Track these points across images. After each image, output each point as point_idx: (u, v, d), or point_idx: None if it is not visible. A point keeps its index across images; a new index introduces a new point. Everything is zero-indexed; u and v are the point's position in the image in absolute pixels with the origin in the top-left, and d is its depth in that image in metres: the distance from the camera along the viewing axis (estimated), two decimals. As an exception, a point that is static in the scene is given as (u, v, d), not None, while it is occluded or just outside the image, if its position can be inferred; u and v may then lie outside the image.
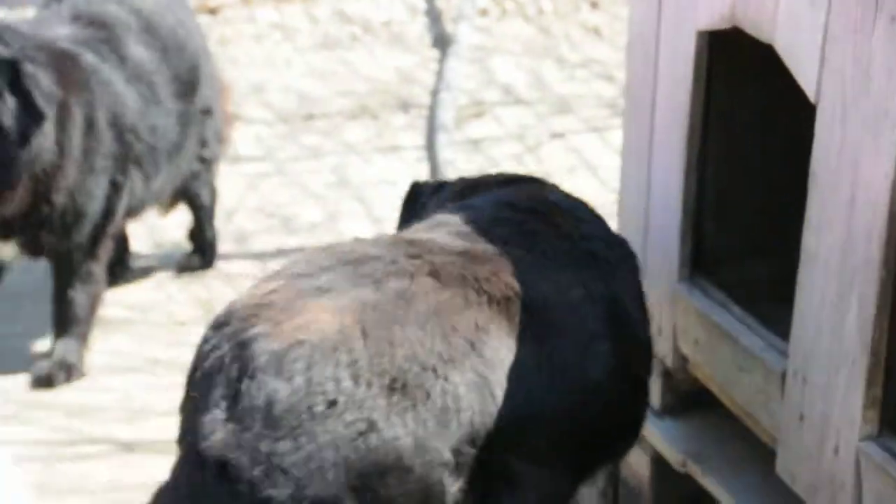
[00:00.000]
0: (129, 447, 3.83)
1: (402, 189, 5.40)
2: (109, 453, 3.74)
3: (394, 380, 2.36)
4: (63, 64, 4.11)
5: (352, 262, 2.51)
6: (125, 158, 4.25)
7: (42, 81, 3.95)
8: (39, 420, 3.97)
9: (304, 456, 2.26)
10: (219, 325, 2.41)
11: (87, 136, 4.11)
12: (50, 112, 3.95)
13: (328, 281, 2.43)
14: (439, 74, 6.47)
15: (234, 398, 2.28)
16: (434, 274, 2.52)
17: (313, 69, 6.66)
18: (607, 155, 5.66)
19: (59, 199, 4.07)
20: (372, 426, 2.32)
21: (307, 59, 6.77)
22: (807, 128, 2.82)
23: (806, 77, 2.75)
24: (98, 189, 4.17)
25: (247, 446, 2.25)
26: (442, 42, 6.86)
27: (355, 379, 2.32)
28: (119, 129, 4.23)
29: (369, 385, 2.33)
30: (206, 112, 4.74)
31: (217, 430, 2.27)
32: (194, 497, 2.28)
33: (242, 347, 2.32)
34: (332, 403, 2.29)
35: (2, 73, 3.91)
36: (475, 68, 6.62)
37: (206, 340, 2.40)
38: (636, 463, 3.52)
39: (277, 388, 2.27)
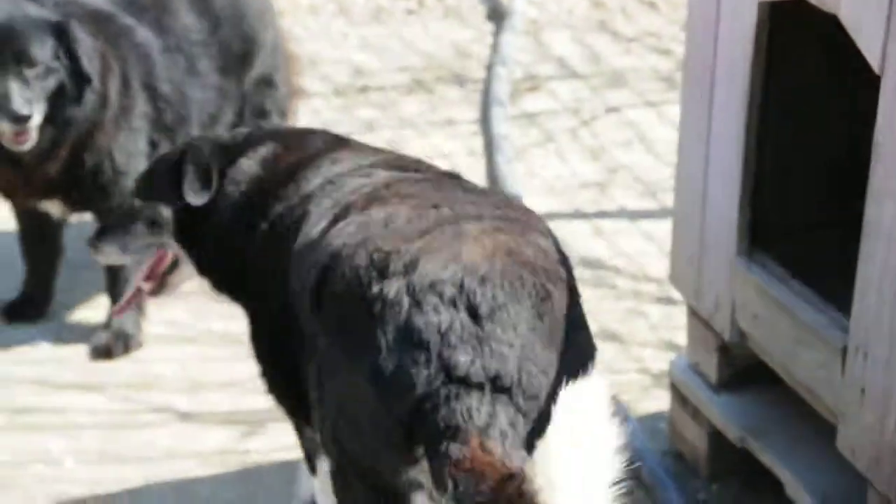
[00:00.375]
0: (186, 417, 3.86)
1: (458, 163, 5.49)
2: (168, 422, 3.77)
3: (565, 282, 2.56)
4: (97, 23, 4.18)
5: (440, 201, 2.67)
6: (158, 122, 4.29)
7: (87, 42, 4.03)
8: (99, 389, 4.01)
9: (548, 360, 2.44)
10: (407, 271, 2.48)
11: (123, 93, 4.16)
12: (96, 72, 4.03)
13: (453, 215, 2.61)
14: (494, 48, 6.45)
15: (479, 327, 2.41)
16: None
17: (368, 43, 6.66)
18: (663, 129, 5.62)
19: (99, 154, 4.12)
20: (574, 323, 2.53)
21: (362, 33, 6.77)
22: (868, 98, 2.78)
23: (870, 47, 2.72)
24: (136, 148, 4.21)
25: (513, 362, 2.41)
26: (497, 16, 6.83)
27: (555, 284, 2.52)
28: (151, 91, 4.26)
29: (561, 285, 2.54)
30: (265, 83, 4.75)
31: (479, 356, 2.40)
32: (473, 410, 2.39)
33: (461, 285, 2.44)
34: (556, 308, 2.50)
35: (55, 35, 3.99)
36: (530, 42, 6.59)
37: (396, 290, 2.46)
38: (693, 438, 3.51)
39: (518, 312, 2.45)
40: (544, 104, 5.96)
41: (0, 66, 3.93)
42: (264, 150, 3.12)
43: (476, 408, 2.36)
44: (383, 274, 2.49)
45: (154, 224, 3.25)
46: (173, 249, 3.26)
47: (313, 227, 2.80)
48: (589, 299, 4.32)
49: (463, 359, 2.37)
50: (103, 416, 3.88)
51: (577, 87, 6.10)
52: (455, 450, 2.32)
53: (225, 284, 3.20)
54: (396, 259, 2.50)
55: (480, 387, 2.37)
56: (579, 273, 4.51)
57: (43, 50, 3.97)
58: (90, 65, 4.01)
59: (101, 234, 3.35)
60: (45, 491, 3.54)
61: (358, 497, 2.56)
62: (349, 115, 5.93)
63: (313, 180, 2.95)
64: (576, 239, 4.82)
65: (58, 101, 3.99)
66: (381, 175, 2.87)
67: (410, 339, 2.40)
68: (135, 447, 3.72)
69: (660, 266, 4.50)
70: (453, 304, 2.42)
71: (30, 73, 3.95)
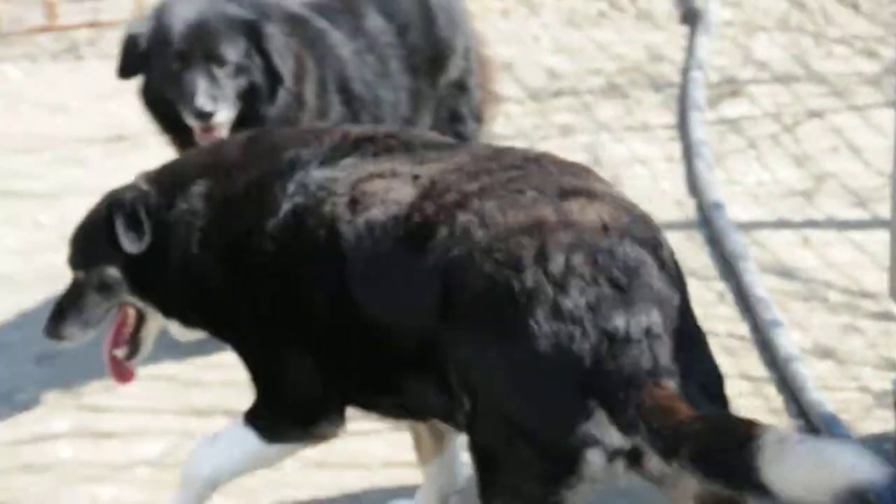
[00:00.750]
0: (400, 426, 3.90)
1: (656, 168, 5.44)
2: (383, 430, 3.82)
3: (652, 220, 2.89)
4: (293, 26, 4.24)
5: (520, 186, 2.85)
6: (353, 124, 4.32)
7: (280, 42, 4.09)
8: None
9: (672, 293, 2.74)
10: (538, 261, 2.68)
11: (319, 95, 4.22)
12: (288, 73, 4.09)
13: (542, 196, 2.82)
14: (689, 51, 6.37)
15: (623, 293, 2.65)
16: None
17: (561, 46, 6.65)
18: (871, 135, 5.48)
19: None
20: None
21: (554, 36, 6.77)
22: None
23: None
24: None
25: (657, 310, 2.67)
26: (691, 18, 6.74)
27: (655, 228, 2.84)
28: (346, 94, 4.31)
29: (655, 225, 2.85)
30: (458, 87, 4.76)
31: (631, 316, 2.66)
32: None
33: (595, 262, 2.68)
34: (665, 248, 2.82)
35: (247, 33, 4.07)
36: (727, 45, 6.49)
37: (535, 282, 2.66)
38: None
39: (647, 267, 2.71)
40: (744, 109, 5.87)
41: (191, 63, 4.03)
42: (211, 173, 3.14)
43: (642, 356, 2.61)
44: (518, 268, 2.67)
45: (105, 287, 3.22)
46: (134, 304, 3.26)
47: (375, 244, 2.87)
48: (799, 312, 4.32)
49: (620, 323, 2.62)
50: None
51: (777, 91, 5.98)
52: (635, 394, 2.57)
53: (203, 320, 3.21)
54: (523, 252, 2.68)
55: (639, 341, 2.62)
56: (787, 285, 4.49)
57: (234, 49, 4.05)
58: (282, 64, 4.07)
59: (58, 319, 3.28)
60: (271, 496, 3.63)
61: (525, 464, 2.70)
62: (544, 120, 5.93)
63: (310, 190, 2.98)
64: (781, 249, 4.74)
65: (250, 100, 4.07)
66: (415, 171, 2.94)
67: (563, 319, 2.62)
68: (352, 454, 3.78)
69: (874, 279, 4.38)
70: (595, 281, 2.64)
71: (219, 71, 4.03)
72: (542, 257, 2.67)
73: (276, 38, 4.10)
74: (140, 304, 3.26)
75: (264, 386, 3.18)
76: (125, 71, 4.20)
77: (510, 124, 5.86)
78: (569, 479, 2.68)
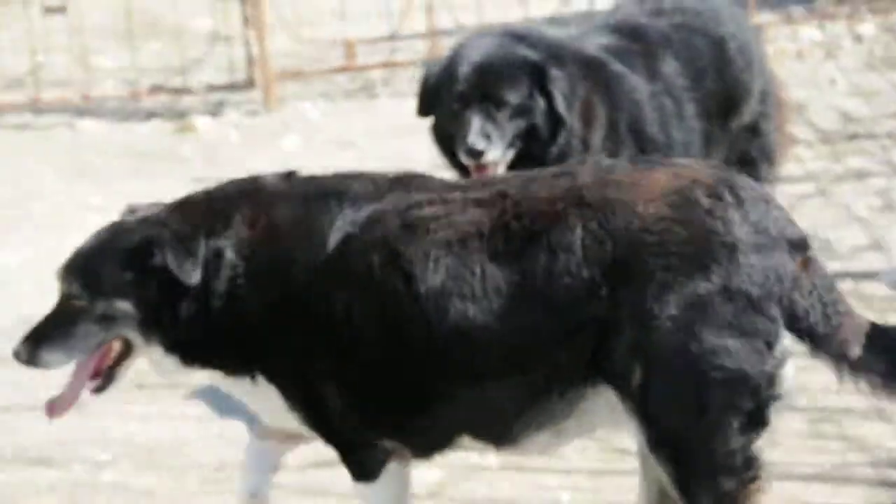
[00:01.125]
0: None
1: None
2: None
3: None
4: (588, 69, 4.23)
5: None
6: None
7: (565, 84, 4.08)
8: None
9: None
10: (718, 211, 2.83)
11: (608, 137, 4.20)
12: (570, 116, 4.08)
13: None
14: None
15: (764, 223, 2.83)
16: None
17: (858, 89, 6.45)
18: None
19: None
20: None
21: (851, 79, 6.57)
22: None
23: None
24: None
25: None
26: None
27: None
28: (638, 135, 4.28)
29: None
30: (752, 130, 4.66)
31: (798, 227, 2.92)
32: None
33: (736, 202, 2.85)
34: None
35: (531, 75, 4.08)
36: None
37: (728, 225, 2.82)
38: None
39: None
40: None
41: (470, 103, 4.07)
42: (250, 207, 3.01)
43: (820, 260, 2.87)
44: (697, 202, 2.78)
45: (109, 319, 2.98)
46: (129, 339, 3.02)
47: (459, 262, 2.85)
48: None
49: (796, 231, 2.83)
50: (594, 457, 3.90)
51: None
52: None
53: (231, 356, 3.02)
54: (693, 191, 2.80)
55: (811, 248, 2.85)
56: None
57: (514, 91, 4.06)
58: (565, 107, 4.06)
59: (37, 343, 2.99)
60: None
61: (723, 413, 2.76)
62: (836, 163, 5.75)
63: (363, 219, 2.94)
64: None
65: (530, 141, 4.08)
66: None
67: (759, 232, 2.78)
68: (625, 490, 3.72)
69: None
70: (759, 204, 2.81)
71: (497, 112, 4.05)
72: (711, 191, 2.80)
73: (561, 80, 4.10)
74: (140, 339, 3.02)
75: (313, 421, 3.04)
76: (420, 108, 4.34)
77: (800, 167, 5.72)
78: (766, 412, 2.76)
